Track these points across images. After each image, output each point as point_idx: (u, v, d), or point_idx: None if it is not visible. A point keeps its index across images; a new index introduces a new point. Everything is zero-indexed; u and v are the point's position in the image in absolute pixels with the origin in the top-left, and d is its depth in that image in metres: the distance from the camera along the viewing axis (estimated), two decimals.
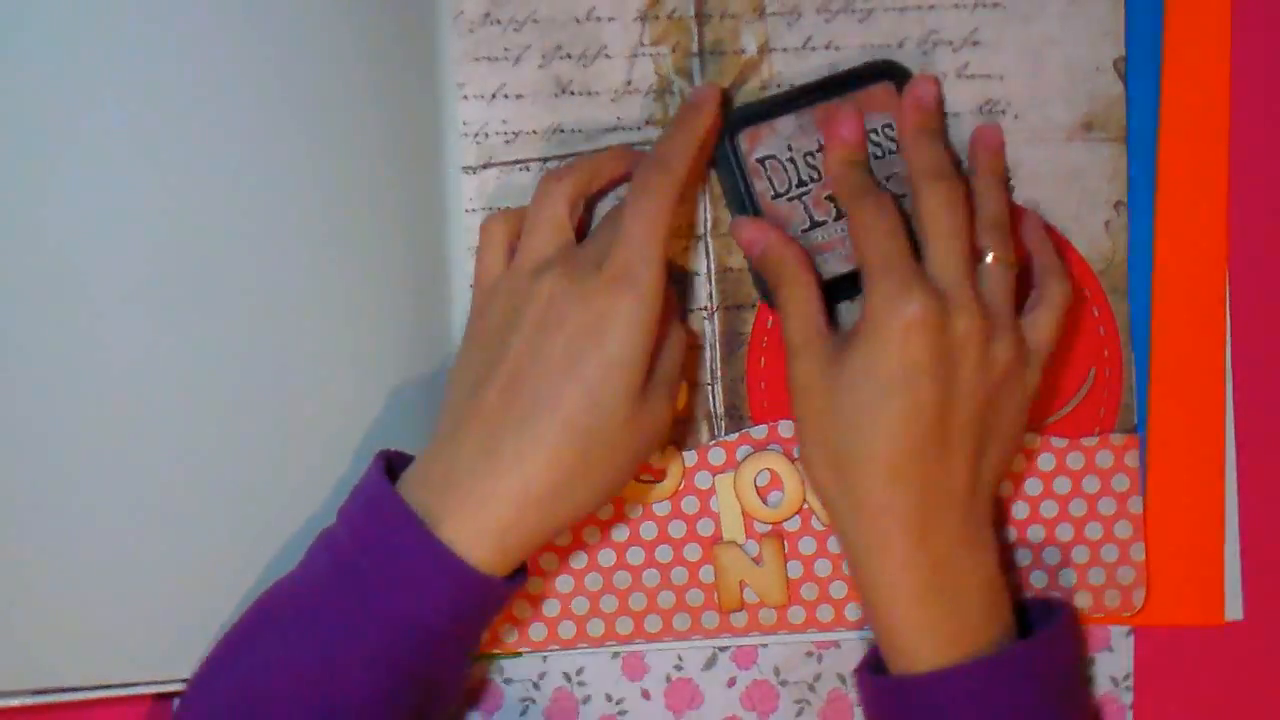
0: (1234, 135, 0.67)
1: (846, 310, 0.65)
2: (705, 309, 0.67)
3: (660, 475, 0.66)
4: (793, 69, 0.66)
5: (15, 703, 0.64)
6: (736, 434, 0.67)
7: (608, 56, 0.66)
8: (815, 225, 0.64)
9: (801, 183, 0.64)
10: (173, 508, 0.64)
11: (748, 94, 0.66)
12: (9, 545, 0.64)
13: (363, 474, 0.61)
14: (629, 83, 0.66)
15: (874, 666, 0.61)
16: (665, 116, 0.66)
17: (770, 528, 0.66)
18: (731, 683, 0.67)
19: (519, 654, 0.67)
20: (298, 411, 0.65)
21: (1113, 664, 0.67)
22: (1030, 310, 0.62)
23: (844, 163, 0.63)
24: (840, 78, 0.65)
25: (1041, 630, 0.60)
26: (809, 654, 0.67)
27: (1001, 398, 0.60)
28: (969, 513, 0.60)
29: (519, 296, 0.61)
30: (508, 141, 0.66)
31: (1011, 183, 0.66)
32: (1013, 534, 0.66)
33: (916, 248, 0.61)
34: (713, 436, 0.67)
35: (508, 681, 0.67)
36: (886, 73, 0.65)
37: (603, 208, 0.66)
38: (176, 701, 0.65)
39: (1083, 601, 0.66)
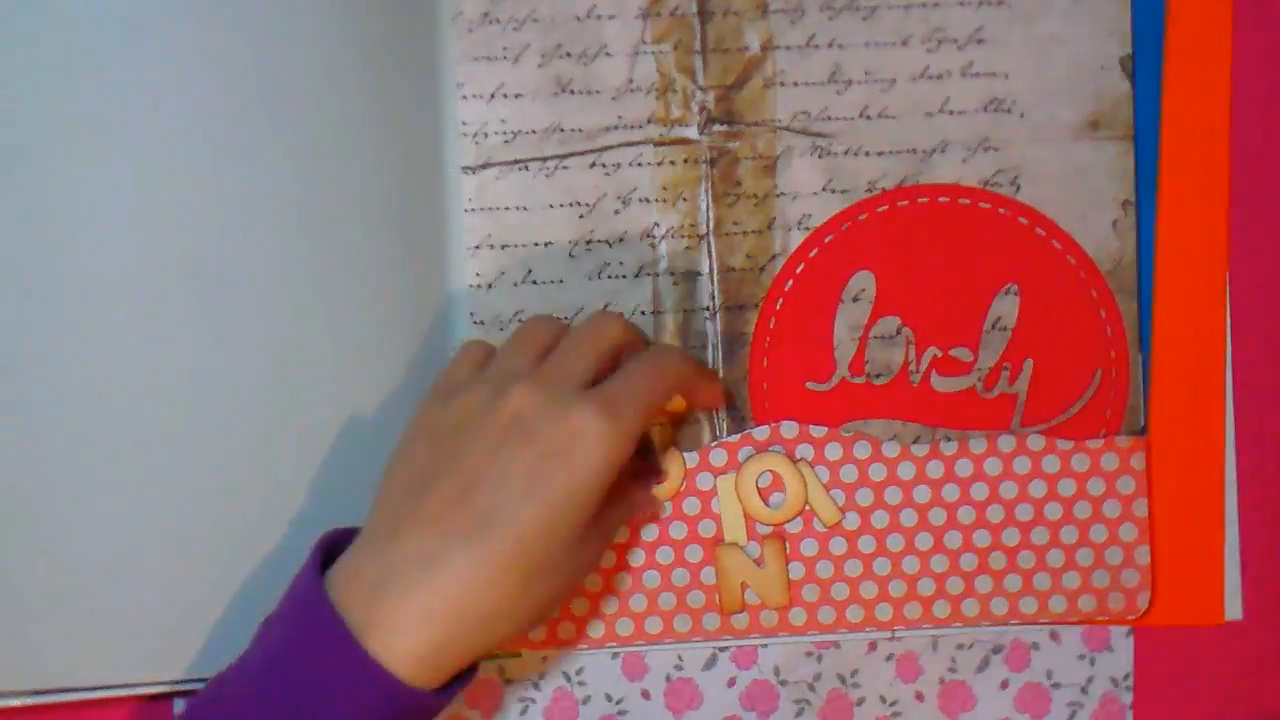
0: (1235, 135, 0.67)
1: None
2: (707, 309, 0.66)
3: (662, 476, 0.66)
4: (796, 67, 0.66)
5: (15, 703, 0.64)
6: (738, 435, 0.66)
7: (609, 55, 0.66)
8: None
9: None
10: (172, 508, 0.64)
11: (751, 92, 0.66)
12: (8, 545, 0.64)
13: (304, 563, 0.58)
14: (630, 81, 0.66)
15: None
16: (666, 115, 0.66)
17: (772, 529, 0.66)
18: (731, 683, 0.67)
19: (519, 654, 0.67)
20: (296, 412, 0.65)
21: (1113, 664, 0.67)
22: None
23: None
24: None
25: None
26: (809, 654, 0.67)
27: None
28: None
29: (482, 403, 0.58)
30: (507, 141, 0.66)
31: (1018, 181, 0.66)
32: (1016, 536, 0.66)
33: None
34: (714, 437, 0.67)
35: (508, 681, 0.67)
36: None
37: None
38: (177, 702, 0.66)
39: (1087, 604, 0.66)
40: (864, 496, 0.66)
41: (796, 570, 0.66)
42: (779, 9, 0.65)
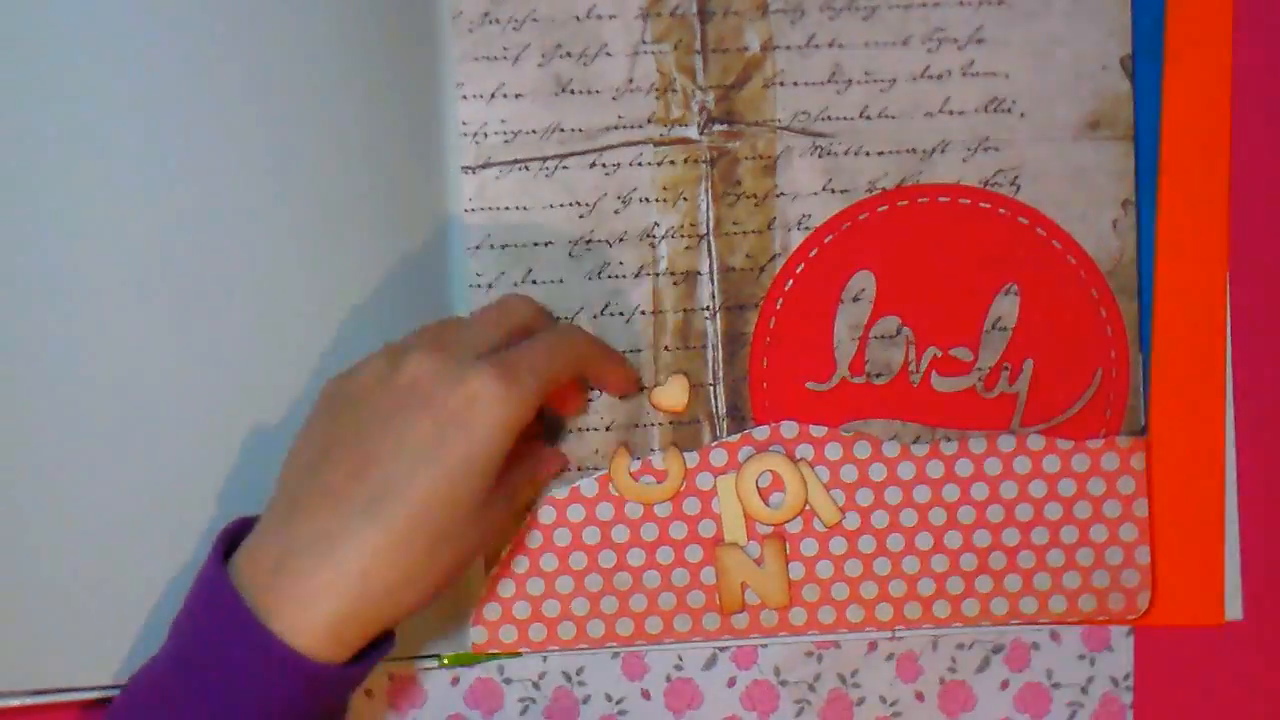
0: (1235, 135, 0.67)
1: None
2: (707, 309, 0.66)
3: (662, 476, 0.66)
4: (796, 67, 0.66)
5: (15, 703, 0.64)
6: (738, 435, 0.66)
7: (609, 55, 0.66)
8: None
9: None
10: (172, 508, 0.64)
11: (751, 92, 0.66)
12: (8, 545, 0.64)
13: (209, 552, 0.57)
14: (630, 81, 0.66)
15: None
16: (666, 115, 0.66)
17: (772, 529, 0.66)
18: (731, 683, 0.67)
19: (519, 654, 0.67)
20: (296, 411, 0.64)
21: (1113, 664, 0.67)
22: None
23: None
24: None
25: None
26: (809, 654, 0.67)
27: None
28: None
29: (378, 372, 0.57)
30: (507, 141, 0.66)
31: (1018, 181, 0.66)
32: (1016, 536, 0.66)
33: None
34: (714, 437, 0.67)
35: (508, 681, 0.67)
36: None
37: None
38: None
39: (1087, 604, 0.66)
40: (864, 496, 0.66)
41: (796, 570, 0.66)
42: (779, 9, 0.65)
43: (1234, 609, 0.67)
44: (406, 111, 0.65)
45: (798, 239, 0.66)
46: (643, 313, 0.66)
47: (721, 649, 0.67)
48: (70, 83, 0.63)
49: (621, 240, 0.66)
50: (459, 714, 0.67)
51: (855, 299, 0.66)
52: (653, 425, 0.66)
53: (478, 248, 0.66)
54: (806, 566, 0.66)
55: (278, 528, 0.56)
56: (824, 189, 0.66)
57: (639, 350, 0.66)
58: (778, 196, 0.66)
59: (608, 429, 0.66)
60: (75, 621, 0.64)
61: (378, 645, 0.57)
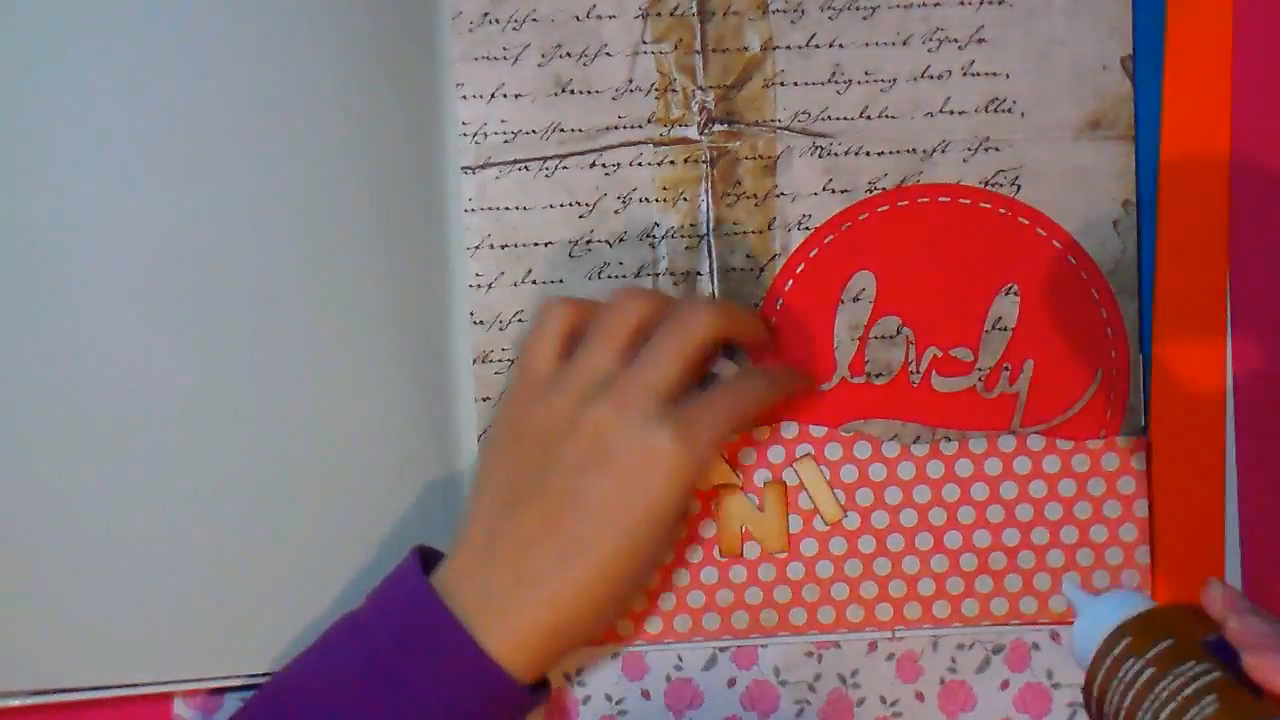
0: (1235, 135, 0.66)
1: None
2: None
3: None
4: (796, 67, 0.66)
5: (15, 703, 0.64)
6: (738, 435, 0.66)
7: (608, 55, 0.66)
8: None
9: None
10: (171, 508, 0.64)
11: (751, 92, 0.66)
12: (8, 545, 0.64)
13: (398, 567, 0.60)
14: (630, 81, 0.66)
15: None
16: (667, 115, 0.66)
17: (771, 475, 0.66)
18: (731, 683, 0.67)
19: None
20: (295, 411, 0.64)
21: None
22: None
23: None
24: None
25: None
26: (809, 654, 0.67)
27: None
28: None
29: (564, 418, 0.60)
30: (507, 141, 0.66)
31: (1018, 181, 0.66)
32: (1016, 536, 0.66)
33: None
34: None
35: None
36: None
37: None
38: (177, 702, 0.66)
39: None
40: (864, 496, 0.66)
41: (796, 569, 0.66)
42: (779, 9, 0.65)
43: None
44: (406, 111, 0.65)
45: (798, 239, 0.66)
46: None
47: (721, 649, 0.67)
48: (68, 80, 0.63)
49: (621, 240, 0.66)
50: None
51: (855, 299, 0.66)
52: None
53: (478, 248, 0.66)
54: (806, 566, 0.66)
55: (477, 560, 0.60)
56: (824, 189, 0.66)
57: None
58: (778, 196, 0.66)
59: None
60: (75, 621, 0.64)
61: (540, 689, 0.61)
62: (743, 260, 0.66)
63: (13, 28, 0.62)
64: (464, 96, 0.65)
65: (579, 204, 0.66)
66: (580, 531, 0.59)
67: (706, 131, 0.66)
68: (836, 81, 0.66)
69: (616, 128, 0.66)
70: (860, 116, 0.66)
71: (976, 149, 0.66)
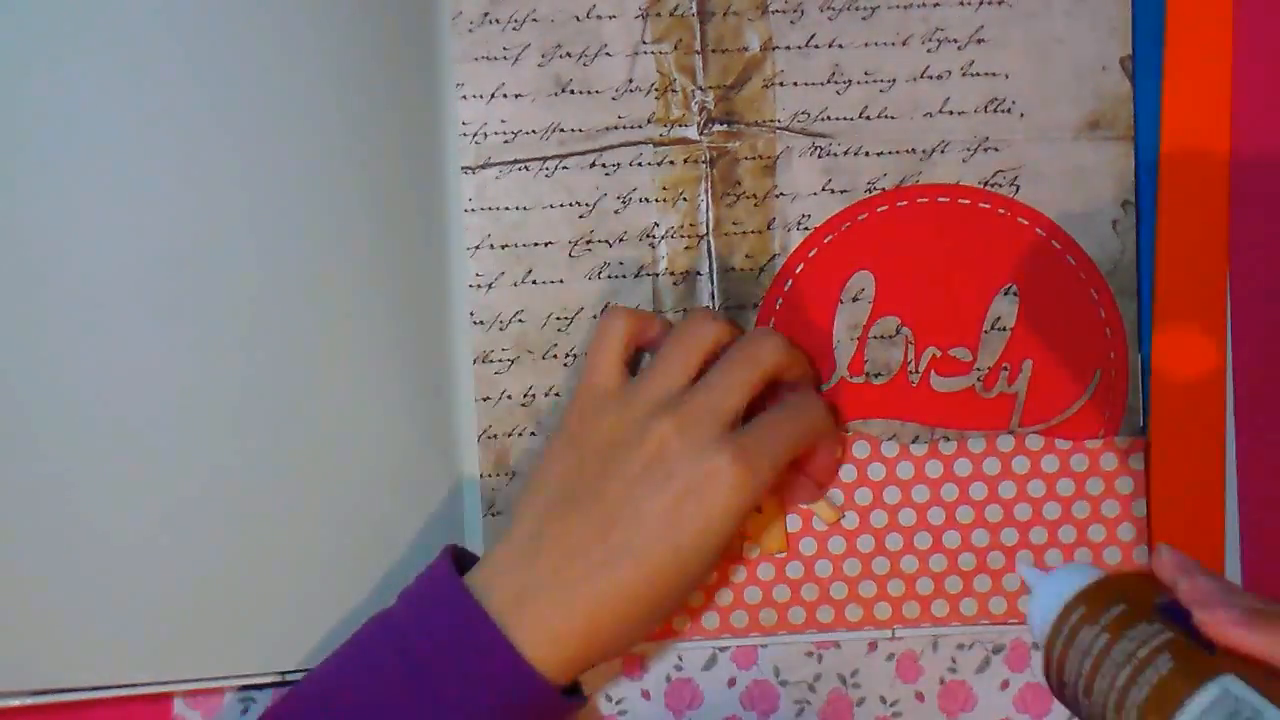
0: (1235, 135, 0.67)
1: None
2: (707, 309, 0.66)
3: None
4: (796, 67, 0.66)
5: (15, 703, 0.64)
6: None
7: (608, 55, 0.66)
8: None
9: None
10: (171, 508, 0.64)
11: (751, 92, 0.66)
12: (8, 546, 0.64)
13: (429, 567, 0.61)
14: (630, 81, 0.66)
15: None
16: (666, 115, 0.66)
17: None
18: (731, 683, 0.67)
19: None
20: (295, 411, 0.64)
21: None
22: None
23: None
24: None
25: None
26: (809, 654, 0.67)
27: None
28: None
29: (628, 431, 0.60)
30: (507, 141, 0.66)
31: (1018, 181, 0.66)
32: (1015, 536, 0.66)
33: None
34: None
35: None
36: None
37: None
38: (177, 702, 0.66)
39: None
40: (863, 496, 0.66)
41: (795, 569, 0.66)
42: (779, 9, 0.65)
43: None
44: (406, 111, 0.65)
45: (797, 239, 0.66)
46: None
47: (721, 649, 0.67)
48: (68, 80, 0.63)
49: (621, 240, 0.66)
50: None
51: (855, 299, 0.66)
52: None
53: (478, 248, 0.66)
54: (805, 566, 0.66)
55: (520, 561, 0.60)
56: (823, 189, 0.66)
57: None
58: (777, 196, 0.66)
59: None
60: (75, 621, 0.64)
61: (573, 694, 0.61)
62: (742, 260, 0.66)
63: (13, 28, 0.62)
64: (464, 96, 0.65)
65: (579, 204, 0.66)
66: (630, 540, 0.59)
67: (706, 132, 0.66)
68: (836, 82, 0.66)
69: (616, 128, 0.66)
70: (860, 117, 0.66)
71: (976, 149, 0.66)
